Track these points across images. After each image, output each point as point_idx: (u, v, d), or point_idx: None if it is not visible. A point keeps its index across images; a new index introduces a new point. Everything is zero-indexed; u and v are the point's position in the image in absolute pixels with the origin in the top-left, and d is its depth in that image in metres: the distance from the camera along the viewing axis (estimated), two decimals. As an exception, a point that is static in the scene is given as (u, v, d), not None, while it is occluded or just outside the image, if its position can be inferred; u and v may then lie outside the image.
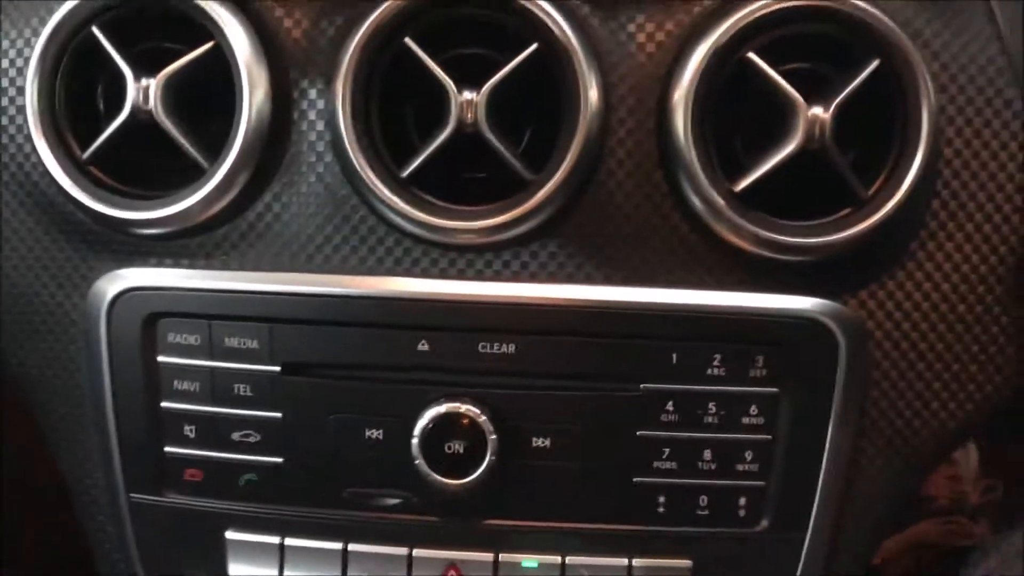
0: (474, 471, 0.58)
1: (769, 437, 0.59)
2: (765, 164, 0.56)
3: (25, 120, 0.60)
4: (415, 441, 0.58)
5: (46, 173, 0.60)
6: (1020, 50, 0.58)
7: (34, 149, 0.60)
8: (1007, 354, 0.60)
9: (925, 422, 0.61)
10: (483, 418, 0.58)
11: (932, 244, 0.59)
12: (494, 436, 0.58)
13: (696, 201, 0.57)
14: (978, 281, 0.59)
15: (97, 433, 0.63)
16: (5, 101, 0.62)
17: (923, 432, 0.61)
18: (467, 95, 0.55)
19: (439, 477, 0.58)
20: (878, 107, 0.57)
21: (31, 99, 0.59)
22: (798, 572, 0.61)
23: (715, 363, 0.58)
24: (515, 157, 0.56)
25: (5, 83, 0.62)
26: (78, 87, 0.61)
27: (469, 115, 0.55)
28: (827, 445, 0.59)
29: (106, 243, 0.62)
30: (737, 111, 0.59)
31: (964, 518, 1.21)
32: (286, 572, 0.62)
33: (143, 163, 0.61)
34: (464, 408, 0.58)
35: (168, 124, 0.58)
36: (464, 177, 0.60)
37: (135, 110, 0.58)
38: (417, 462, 0.58)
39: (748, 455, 0.59)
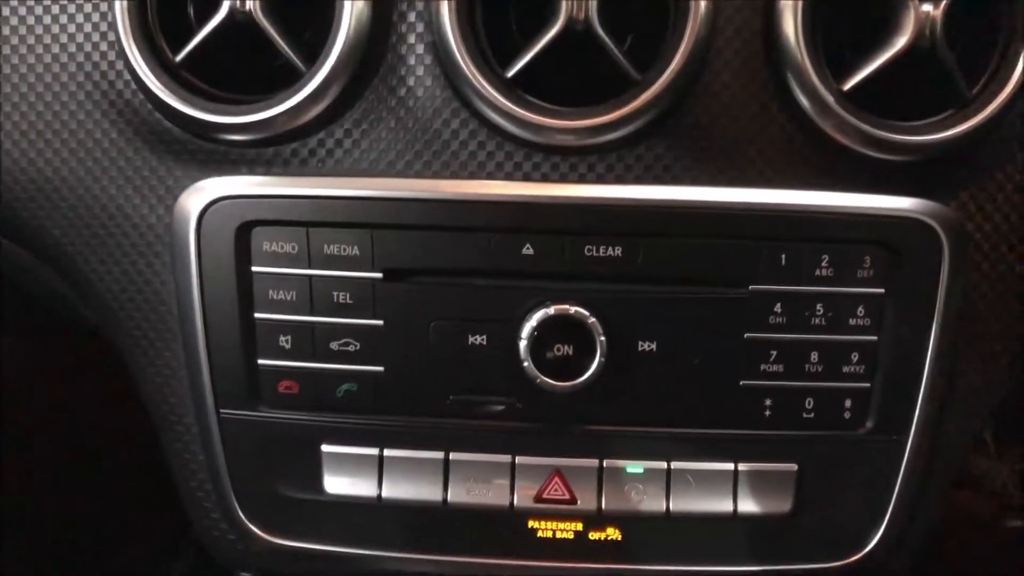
0: (583, 374, 0.57)
1: (875, 338, 0.59)
2: (874, 62, 0.55)
3: (111, 28, 0.58)
4: (523, 344, 0.57)
5: (132, 81, 0.58)
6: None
7: (121, 54, 0.58)
8: None
9: None
10: (592, 320, 0.57)
11: None
12: (603, 338, 0.57)
13: (804, 99, 0.56)
14: None
15: (184, 350, 0.62)
16: (89, 7, 0.60)
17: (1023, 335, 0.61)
18: None
19: (548, 379, 0.57)
20: (978, 11, 0.57)
21: (122, 3, 0.57)
22: (900, 474, 0.61)
23: (823, 264, 0.58)
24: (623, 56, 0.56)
25: None
26: None
27: (580, 12, 0.54)
28: (931, 347, 0.59)
29: (192, 152, 0.60)
30: (843, 13, 0.58)
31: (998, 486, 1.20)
32: (385, 485, 0.61)
33: (234, 70, 0.60)
34: (573, 310, 0.57)
35: (266, 24, 0.56)
36: (564, 82, 0.59)
37: (233, 10, 0.56)
38: (525, 364, 0.57)
39: (854, 356, 0.59)
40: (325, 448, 0.62)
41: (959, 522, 1.08)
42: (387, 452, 0.61)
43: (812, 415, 0.60)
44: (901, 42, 0.55)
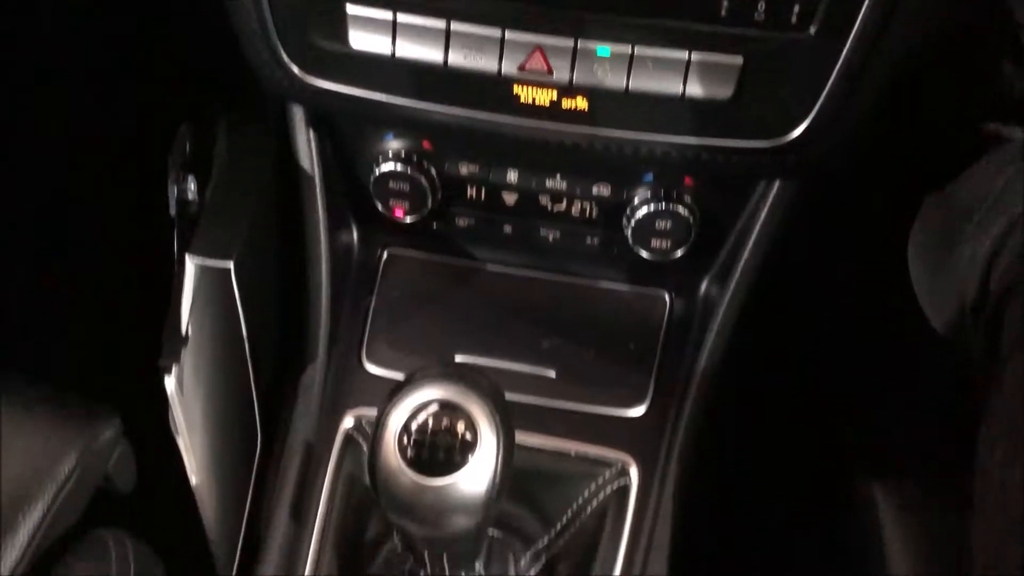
0: None
1: None
2: None
3: None
4: None
5: None
6: None
7: None
8: None
9: None
10: None
11: None
12: None
13: None
14: None
15: None
16: None
17: None
18: None
19: None
20: None
21: None
22: (833, 74, 0.68)
23: None
24: None
25: None
26: None
27: None
28: None
29: None
30: None
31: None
32: (397, 44, 0.71)
33: None
34: None
35: None
36: None
37: None
38: None
39: None
40: (349, 9, 0.70)
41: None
42: (400, 18, 0.70)
43: (763, 17, 0.65)
44: None
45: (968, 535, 0.62)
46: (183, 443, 0.85)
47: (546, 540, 0.84)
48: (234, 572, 0.89)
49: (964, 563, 0.61)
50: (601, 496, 0.84)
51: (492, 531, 0.82)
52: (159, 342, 0.82)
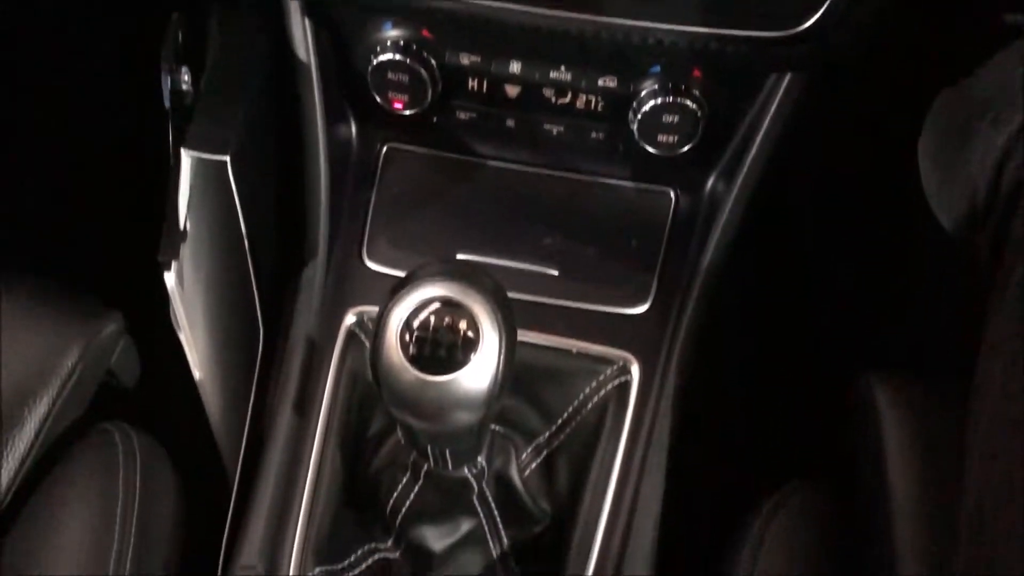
0: None
1: None
2: None
3: None
4: None
5: None
6: None
7: None
8: None
9: None
10: None
11: None
12: None
13: None
14: None
15: None
16: None
17: None
18: None
19: None
20: None
21: None
22: None
23: None
24: None
25: None
26: None
27: None
28: None
29: None
30: None
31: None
32: None
33: None
34: None
35: None
36: None
37: None
38: None
39: None
40: None
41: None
42: None
43: None
44: None
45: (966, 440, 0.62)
46: (185, 338, 0.85)
47: (547, 435, 0.85)
48: (239, 465, 0.90)
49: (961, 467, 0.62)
50: (602, 393, 0.84)
51: (494, 426, 0.82)
52: (159, 238, 0.81)
